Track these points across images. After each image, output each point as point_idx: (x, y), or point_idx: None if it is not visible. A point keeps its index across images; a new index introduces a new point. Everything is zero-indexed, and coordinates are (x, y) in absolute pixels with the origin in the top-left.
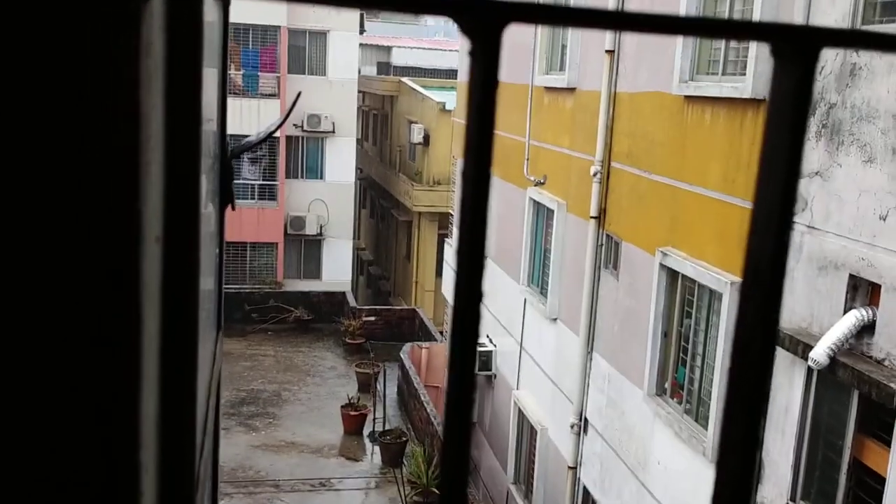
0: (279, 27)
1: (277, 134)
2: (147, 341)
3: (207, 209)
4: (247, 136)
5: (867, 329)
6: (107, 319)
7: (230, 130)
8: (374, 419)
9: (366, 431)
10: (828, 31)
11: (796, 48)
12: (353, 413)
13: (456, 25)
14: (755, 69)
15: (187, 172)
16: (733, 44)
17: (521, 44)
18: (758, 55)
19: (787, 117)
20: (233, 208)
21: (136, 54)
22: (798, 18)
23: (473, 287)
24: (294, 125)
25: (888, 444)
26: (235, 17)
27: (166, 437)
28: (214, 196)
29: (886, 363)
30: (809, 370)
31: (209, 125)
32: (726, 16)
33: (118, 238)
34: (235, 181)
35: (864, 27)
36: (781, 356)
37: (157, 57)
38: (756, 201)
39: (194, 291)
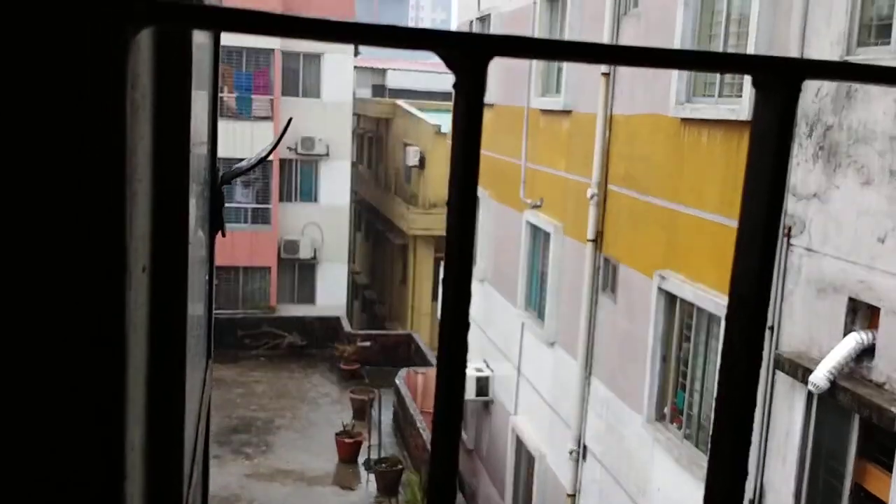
0: (273, 50)
1: (271, 157)
2: (133, 371)
3: (197, 235)
4: (240, 160)
5: (867, 352)
6: (91, 349)
7: (223, 153)
8: (369, 447)
9: (361, 459)
10: (808, 62)
11: (778, 80)
12: (347, 440)
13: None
14: (751, 91)
15: (176, 202)
16: None
17: (516, 66)
18: None
19: (770, 147)
20: (223, 234)
21: (123, 87)
22: (793, 40)
23: (460, 315)
24: (288, 148)
25: (890, 469)
26: (229, 40)
27: (154, 467)
28: (204, 222)
29: (887, 387)
30: (810, 394)
31: (200, 150)
32: (722, 37)
33: (103, 269)
34: (228, 204)
35: (860, 48)
36: (781, 380)
37: (144, 89)
38: (740, 229)
39: (182, 321)
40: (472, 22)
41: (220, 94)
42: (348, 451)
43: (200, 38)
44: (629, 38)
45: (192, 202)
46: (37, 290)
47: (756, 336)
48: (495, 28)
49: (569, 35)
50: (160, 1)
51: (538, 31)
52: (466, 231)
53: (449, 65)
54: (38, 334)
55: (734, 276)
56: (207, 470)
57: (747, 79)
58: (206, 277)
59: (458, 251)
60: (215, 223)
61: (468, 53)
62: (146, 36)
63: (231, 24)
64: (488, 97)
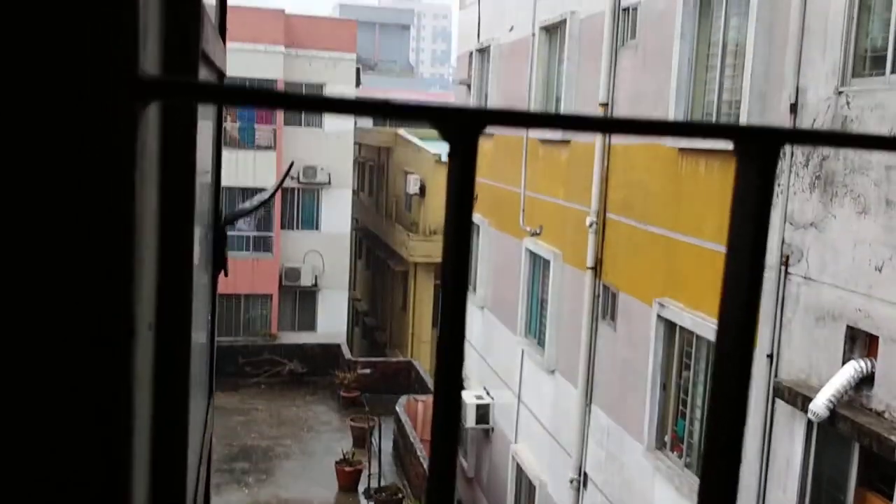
0: (276, 80)
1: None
2: (138, 425)
3: (200, 277)
4: (243, 189)
5: (866, 381)
6: (97, 409)
7: (226, 182)
8: (369, 475)
9: (361, 488)
10: (786, 131)
11: (757, 147)
12: (347, 469)
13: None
14: (748, 121)
15: (180, 259)
16: (726, 96)
17: (515, 96)
18: (750, 109)
19: (751, 211)
20: (225, 275)
21: (132, 161)
22: (789, 70)
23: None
24: (290, 177)
25: (890, 497)
26: (232, 70)
27: None
28: (208, 263)
29: (886, 415)
30: (809, 423)
31: (203, 194)
32: (718, 68)
33: (111, 333)
34: (230, 232)
35: (855, 79)
36: (781, 408)
37: (151, 157)
38: (723, 289)
39: (185, 372)
40: (471, 53)
41: (223, 124)
42: (348, 479)
43: (209, 74)
44: (627, 68)
45: (196, 246)
46: (45, 361)
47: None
48: (494, 58)
49: (567, 66)
50: (166, 79)
51: (536, 62)
52: (459, 293)
53: (443, 135)
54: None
55: (719, 335)
56: None
57: (744, 108)
58: (209, 317)
59: (451, 315)
60: (218, 263)
61: (461, 125)
62: (154, 109)
63: (234, 99)
64: (488, 127)
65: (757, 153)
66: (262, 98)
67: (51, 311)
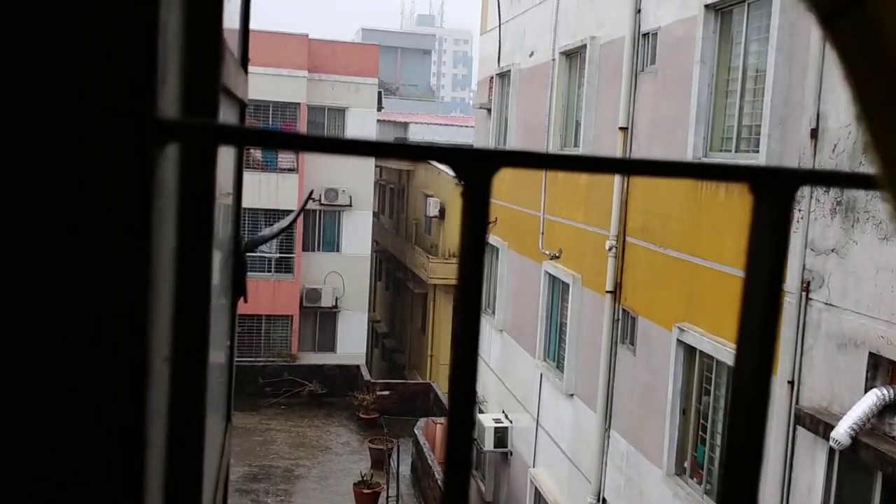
0: (299, 104)
1: (295, 208)
2: (152, 462)
3: (219, 304)
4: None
5: (889, 408)
6: (111, 441)
7: (249, 204)
8: (387, 497)
9: None
10: (802, 171)
11: (773, 188)
12: (365, 491)
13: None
14: (768, 146)
15: (198, 297)
16: (746, 122)
17: (535, 121)
18: (770, 134)
19: (767, 251)
20: (245, 301)
21: (149, 202)
22: (809, 96)
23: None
24: (312, 199)
25: None
26: (256, 93)
27: None
28: (227, 290)
29: None
30: (831, 450)
31: (224, 221)
32: (738, 93)
33: (125, 368)
34: (252, 254)
35: None
36: (802, 435)
37: (169, 196)
38: (739, 329)
39: (201, 407)
40: (492, 77)
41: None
42: (366, 501)
43: (226, 113)
44: (646, 94)
45: (216, 273)
46: (61, 385)
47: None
48: (514, 82)
49: (587, 91)
50: (184, 122)
51: (556, 87)
52: (472, 320)
53: (458, 175)
54: (58, 431)
55: (735, 380)
56: None
57: (764, 133)
58: (228, 343)
59: (464, 349)
60: (238, 290)
61: (477, 166)
62: (173, 148)
63: (250, 141)
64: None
65: (772, 195)
66: (278, 140)
67: (68, 351)
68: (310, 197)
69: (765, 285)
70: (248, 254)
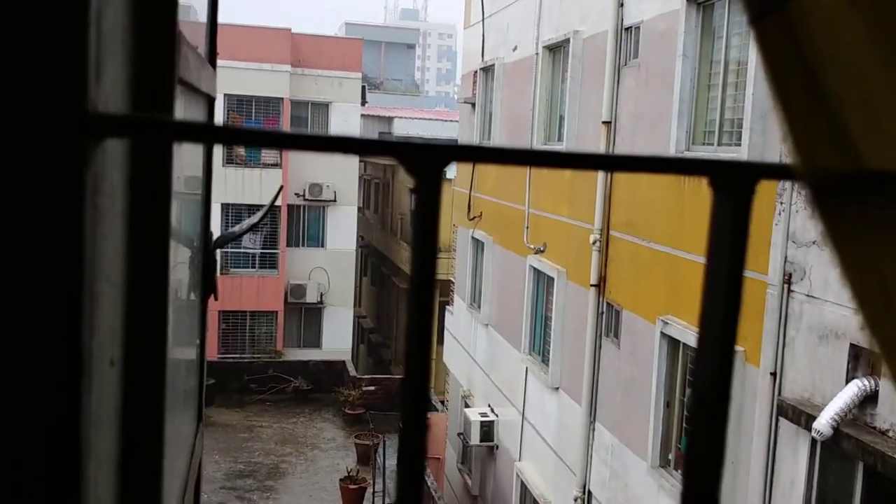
0: (282, 99)
1: (279, 203)
2: (95, 471)
3: (188, 301)
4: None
5: (870, 399)
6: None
7: (233, 199)
8: (373, 493)
9: None
10: (761, 165)
11: (732, 182)
12: (352, 487)
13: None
14: (750, 139)
15: (154, 287)
16: (728, 114)
17: (519, 115)
18: (752, 126)
19: (727, 245)
20: (215, 298)
21: (81, 193)
22: None
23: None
24: (296, 194)
25: None
26: (238, 88)
27: None
28: (196, 287)
29: (891, 434)
30: (813, 441)
31: (192, 217)
32: (720, 86)
33: (57, 374)
34: (236, 250)
35: None
36: (785, 427)
37: (112, 185)
38: (701, 324)
39: (159, 410)
40: (476, 71)
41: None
42: (353, 497)
43: (192, 109)
44: (629, 88)
45: (183, 270)
46: None
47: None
48: (498, 76)
49: (570, 85)
50: (118, 116)
51: (540, 80)
52: (425, 318)
53: (408, 170)
54: None
55: (696, 374)
56: None
57: (746, 126)
58: (198, 342)
59: (416, 343)
60: (207, 288)
61: (425, 160)
62: (117, 144)
63: (189, 136)
64: (493, 145)
65: (732, 188)
66: (218, 134)
67: None
68: (279, 192)
69: (725, 279)
70: (227, 250)
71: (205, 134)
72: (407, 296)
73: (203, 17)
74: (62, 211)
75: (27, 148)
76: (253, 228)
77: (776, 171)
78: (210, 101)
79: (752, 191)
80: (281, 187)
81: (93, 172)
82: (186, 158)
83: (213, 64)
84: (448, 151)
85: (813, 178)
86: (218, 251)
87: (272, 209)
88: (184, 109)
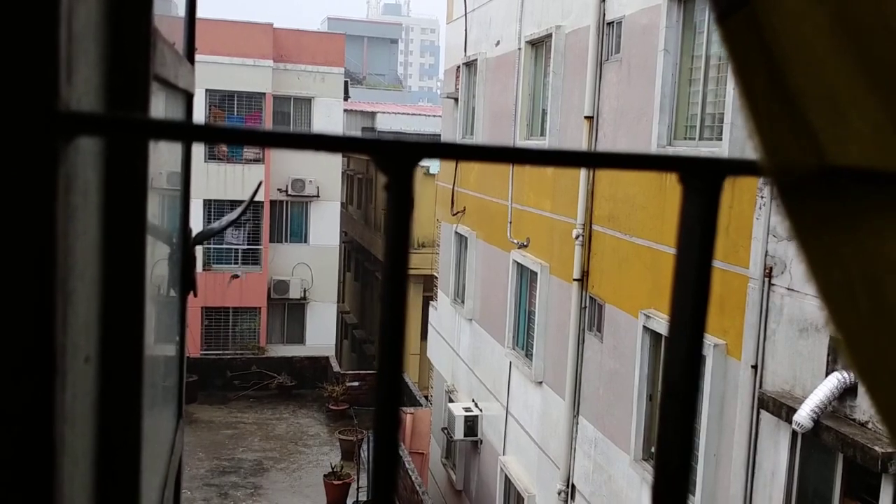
0: (264, 94)
1: (262, 199)
2: (71, 467)
3: (167, 298)
4: (232, 201)
5: (850, 391)
6: (18, 455)
7: (215, 195)
8: (358, 488)
9: (349, 501)
10: (730, 161)
11: (701, 178)
12: (336, 482)
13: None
14: (731, 134)
15: (130, 285)
16: (710, 109)
17: (502, 110)
18: (733, 121)
19: (696, 240)
20: (195, 295)
21: (52, 198)
22: None
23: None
24: (279, 190)
25: None
26: (221, 83)
27: None
28: (175, 284)
29: (870, 426)
30: (794, 433)
31: (170, 203)
32: (702, 81)
33: (30, 371)
34: (219, 246)
35: None
36: (766, 419)
37: (85, 189)
38: (671, 316)
39: (136, 408)
40: (459, 66)
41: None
42: (337, 492)
43: (170, 105)
44: (611, 83)
45: (161, 266)
46: None
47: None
48: (481, 71)
49: (552, 80)
50: (88, 114)
51: (522, 75)
52: (397, 322)
53: (380, 167)
54: None
55: (666, 363)
56: None
57: (727, 121)
58: (178, 338)
59: (389, 344)
60: (187, 284)
61: (397, 157)
62: (90, 143)
63: (160, 134)
64: (476, 140)
65: (701, 184)
66: (190, 132)
67: None
68: (258, 187)
69: (694, 272)
70: (210, 246)
71: (177, 132)
72: (380, 290)
73: (181, 11)
74: (33, 209)
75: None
76: (233, 224)
77: (744, 168)
78: (188, 98)
79: (720, 187)
80: (260, 183)
81: (65, 171)
82: (165, 155)
83: (192, 60)
84: (419, 148)
85: (778, 173)
86: (198, 248)
87: (252, 205)
88: (161, 107)
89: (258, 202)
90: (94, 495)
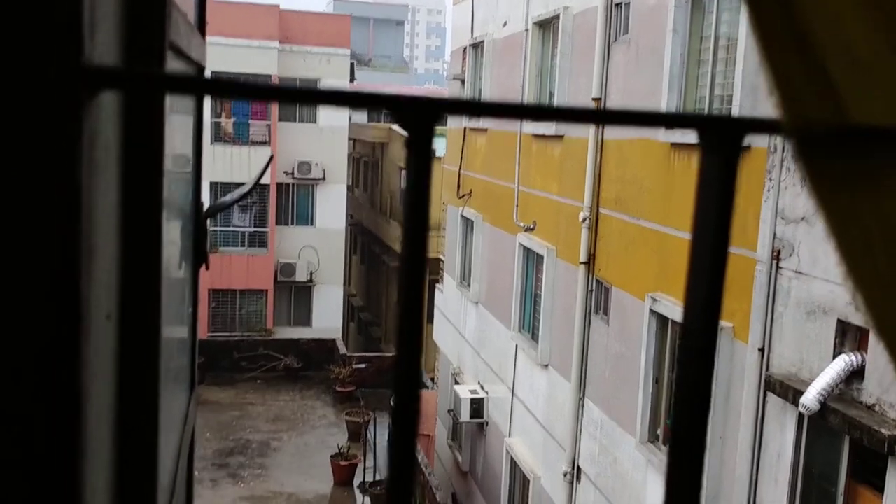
0: (270, 76)
1: (268, 182)
2: (95, 419)
3: (181, 269)
4: (238, 184)
5: (857, 374)
6: (45, 399)
7: (222, 178)
8: (364, 469)
9: (356, 482)
10: (749, 120)
11: (722, 136)
12: (343, 463)
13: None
14: (740, 115)
15: (145, 252)
16: (718, 91)
17: (509, 93)
18: (741, 102)
19: (715, 200)
20: (206, 268)
21: (77, 151)
22: None
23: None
24: (285, 172)
25: (881, 490)
26: (226, 65)
27: None
28: (187, 255)
29: (877, 408)
30: (801, 416)
31: (181, 185)
32: (710, 62)
33: (56, 319)
34: (226, 228)
35: None
36: (772, 401)
37: (107, 146)
38: (688, 279)
39: (155, 365)
40: (465, 48)
41: (218, 120)
42: (344, 473)
43: (184, 68)
44: (619, 64)
45: (176, 234)
46: None
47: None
48: (488, 53)
49: (560, 61)
50: (110, 67)
51: (530, 56)
52: (416, 282)
53: (401, 124)
54: None
55: (683, 331)
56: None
57: (735, 102)
58: (190, 310)
59: (407, 304)
60: (199, 256)
61: (418, 113)
62: (110, 98)
63: (179, 88)
64: (482, 122)
65: (720, 143)
66: (209, 87)
67: None
68: (270, 160)
69: (713, 233)
70: (216, 228)
71: (195, 86)
72: (400, 253)
73: None
74: (61, 161)
75: (25, 99)
76: (245, 197)
77: (764, 126)
78: (200, 70)
79: (739, 145)
80: (272, 157)
81: (89, 125)
82: (176, 134)
83: (203, 33)
84: (441, 104)
85: (798, 131)
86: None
87: (259, 187)
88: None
89: (265, 185)
90: (114, 447)
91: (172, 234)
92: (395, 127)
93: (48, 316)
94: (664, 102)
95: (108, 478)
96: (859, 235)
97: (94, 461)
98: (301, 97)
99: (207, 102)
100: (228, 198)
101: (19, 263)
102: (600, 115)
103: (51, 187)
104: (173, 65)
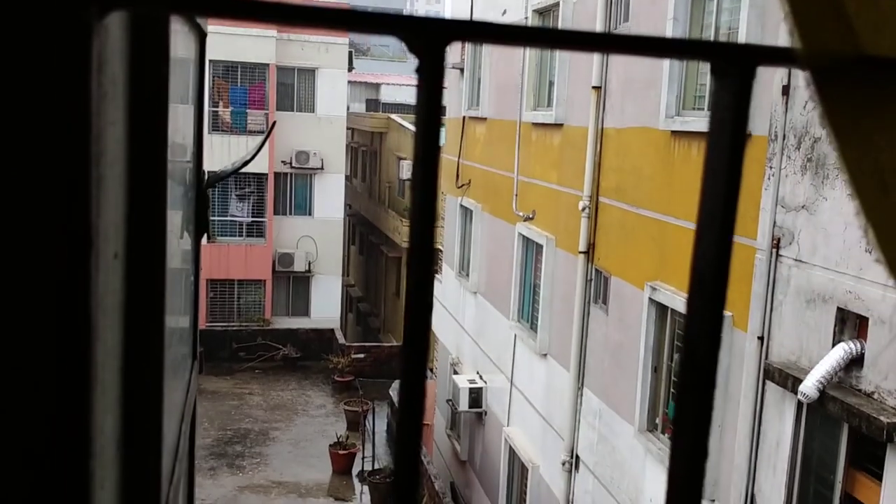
0: (268, 65)
1: (266, 171)
2: (104, 354)
3: (183, 238)
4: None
5: (856, 362)
6: (56, 329)
7: (219, 167)
8: (363, 458)
9: (355, 471)
10: (762, 48)
11: (733, 65)
12: (341, 452)
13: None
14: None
15: (152, 190)
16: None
17: (509, 82)
18: None
19: (728, 131)
20: (209, 238)
21: (87, 70)
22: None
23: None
24: (283, 162)
25: (879, 478)
26: (224, 54)
27: (130, 456)
28: (190, 224)
29: (875, 396)
30: (800, 404)
31: (184, 154)
32: (713, 28)
33: (66, 250)
34: (223, 218)
35: None
36: (771, 389)
37: (114, 75)
38: (700, 213)
39: (160, 309)
40: None
41: (216, 109)
42: (342, 462)
43: (185, 52)
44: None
45: (178, 202)
46: None
47: (716, 317)
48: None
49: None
50: None
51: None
52: (428, 214)
53: (411, 48)
54: None
55: (694, 258)
56: (193, 469)
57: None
58: (192, 279)
59: (419, 238)
60: (201, 225)
61: (428, 37)
62: (118, 23)
63: (183, 6)
64: (481, 111)
65: (732, 71)
66: (212, 5)
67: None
68: (272, 127)
69: (726, 161)
70: (214, 218)
71: (201, 5)
72: (410, 192)
73: None
74: (70, 80)
75: (34, 17)
76: (246, 164)
77: (778, 55)
78: (202, 38)
79: (752, 73)
80: (274, 123)
81: (97, 47)
82: (180, 120)
83: None
84: (453, 26)
85: (813, 60)
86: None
87: (257, 176)
88: (177, 41)
89: (262, 174)
90: (121, 381)
91: (177, 200)
92: (394, 116)
93: (59, 242)
94: (664, 92)
95: (116, 414)
96: (872, 167)
97: (103, 402)
98: (304, 17)
99: (207, 106)
100: (230, 166)
101: (30, 184)
102: (611, 41)
103: (61, 106)
104: (177, 31)
